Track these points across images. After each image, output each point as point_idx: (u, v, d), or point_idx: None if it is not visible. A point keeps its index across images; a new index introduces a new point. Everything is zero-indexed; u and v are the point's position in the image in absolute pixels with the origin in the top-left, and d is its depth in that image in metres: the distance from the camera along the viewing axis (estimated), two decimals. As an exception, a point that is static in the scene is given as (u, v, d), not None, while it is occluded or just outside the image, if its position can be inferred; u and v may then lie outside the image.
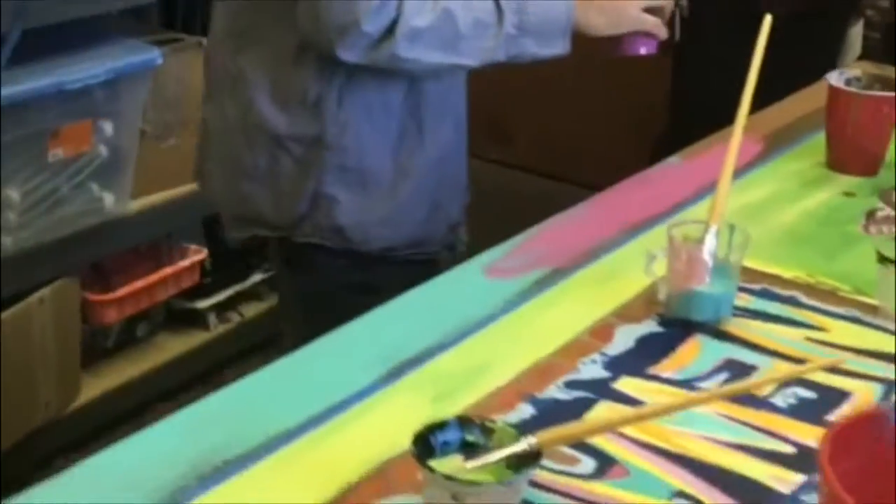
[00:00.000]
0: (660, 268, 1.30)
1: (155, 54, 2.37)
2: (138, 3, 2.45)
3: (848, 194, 1.64)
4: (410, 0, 1.44)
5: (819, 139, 1.77)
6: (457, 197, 1.67)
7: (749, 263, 1.34)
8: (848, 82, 1.72)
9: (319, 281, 1.60)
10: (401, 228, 1.58)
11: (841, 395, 1.18)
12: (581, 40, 1.57)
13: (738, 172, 1.63)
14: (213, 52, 1.63)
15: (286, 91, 1.51)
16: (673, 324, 1.29)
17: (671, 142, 1.92)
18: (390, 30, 1.43)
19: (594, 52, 1.62)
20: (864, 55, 3.07)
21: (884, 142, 1.69)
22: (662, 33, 1.63)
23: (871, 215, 1.57)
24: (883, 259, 1.29)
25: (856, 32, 3.06)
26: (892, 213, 1.58)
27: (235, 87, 1.56)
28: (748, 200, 1.57)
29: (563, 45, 1.55)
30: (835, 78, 1.71)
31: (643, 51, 1.64)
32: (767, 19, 1.39)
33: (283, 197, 1.55)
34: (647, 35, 1.62)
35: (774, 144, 1.78)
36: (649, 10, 1.61)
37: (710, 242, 1.28)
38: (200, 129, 1.67)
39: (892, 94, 1.66)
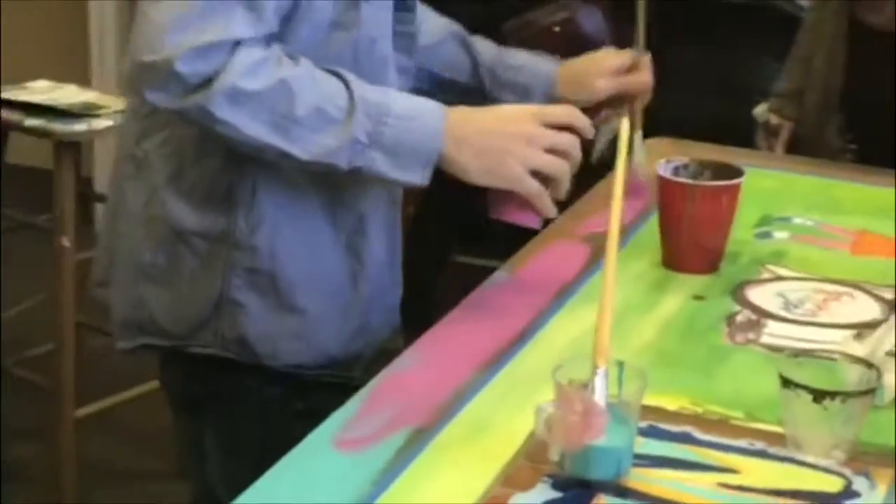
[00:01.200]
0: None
1: None
2: None
3: (698, 298, 1.60)
4: (246, 56, 1.32)
5: (643, 234, 1.74)
6: (389, 320, 1.58)
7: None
8: (676, 171, 1.69)
9: (225, 402, 1.51)
10: (314, 345, 1.49)
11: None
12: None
13: (573, 283, 1.59)
14: (121, 134, 1.55)
15: (193, 180, 1.44)
16: (570, 485, 1.19)
17: None
18: (209, 80, 1.31)
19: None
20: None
21: (724, 235, 1.66)
22: (545, 209, 1.46)
23: (731, 321, 1.53)
24: (787, 383, 1.24)
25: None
26: (753, 315, 1.55)
27: (139, 173, 1.47)
28: (593, 320, 1.50)
29: (422, 176, 1.40)
30: (662, 168, 1.67)
31: (520, 220, 1.48)
32: (625, 121, 1.33)
33: (183, 301, 1.46)
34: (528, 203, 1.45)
35: (600, 247, 1.73)
36: (537, 174, 1.43)
37: (600, 386, 1.20)
38: (104, 221, 1.57)
39: (730, 182, 1.64)
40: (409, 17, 1.54)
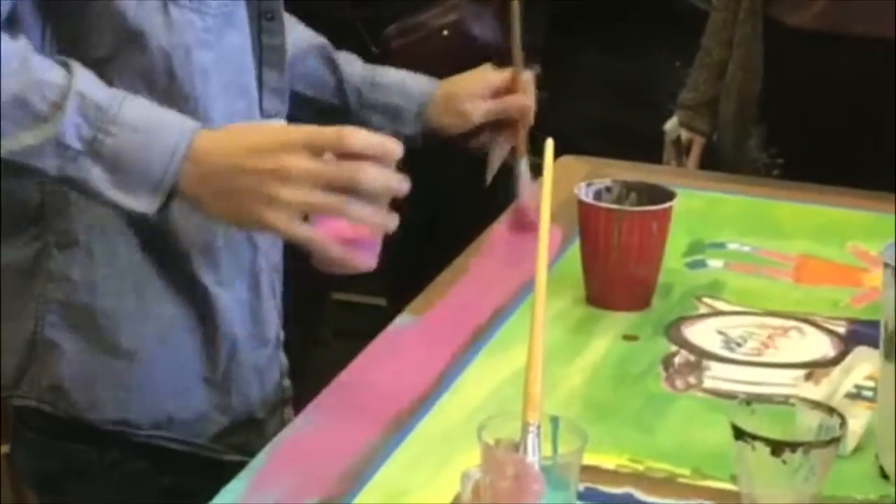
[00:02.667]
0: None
1: None
2: None
3: (629, 338, 1.57)
4: None
5: (563, 266, 1.71)
6: (256, 383, 1.48)
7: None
8: (598, 195, 1.66)
9: (80, 480, 1.43)
10: (144, 398, 1.40)
11: None
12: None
13: (488, 326, 1.55)
14: None
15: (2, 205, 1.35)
16: (503, 562, 1.15)
17: None
18: None
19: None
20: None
21: (656, 266, 1.63)
22: (329, 255, 1.28)
23: (668, 364, 1.51)
24: (741, 434, 1.21)
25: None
26: (692, 357, 1.52)
27: None
28: (517, 364, 1.46)
29: (149, 204, 1.24)
30: (583, 192, 1.65)
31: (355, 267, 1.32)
32: (549, 143, 1.29)
33: (4, 347, 1.40)
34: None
35: (514, 286, 1.69)
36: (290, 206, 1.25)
37: (534, 446, 1.16)
38: None
39: (661, 206, 1.61)
40: (276, 26, 1.47)
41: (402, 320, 1.59)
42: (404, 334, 1.56)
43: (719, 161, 2.42)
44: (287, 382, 1.55)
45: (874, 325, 1.34)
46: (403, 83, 1.71)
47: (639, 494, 1.26)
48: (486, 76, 1.71)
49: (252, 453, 1.33)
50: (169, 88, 1.34)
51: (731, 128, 2.38)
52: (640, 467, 1.30)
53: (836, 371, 1.39)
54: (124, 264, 1.38)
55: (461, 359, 1.49)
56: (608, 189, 1.66)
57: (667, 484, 1.27)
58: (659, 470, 1.29)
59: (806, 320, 1.60)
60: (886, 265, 1.25)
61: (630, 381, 1.46)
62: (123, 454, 1.43)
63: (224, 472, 1.29)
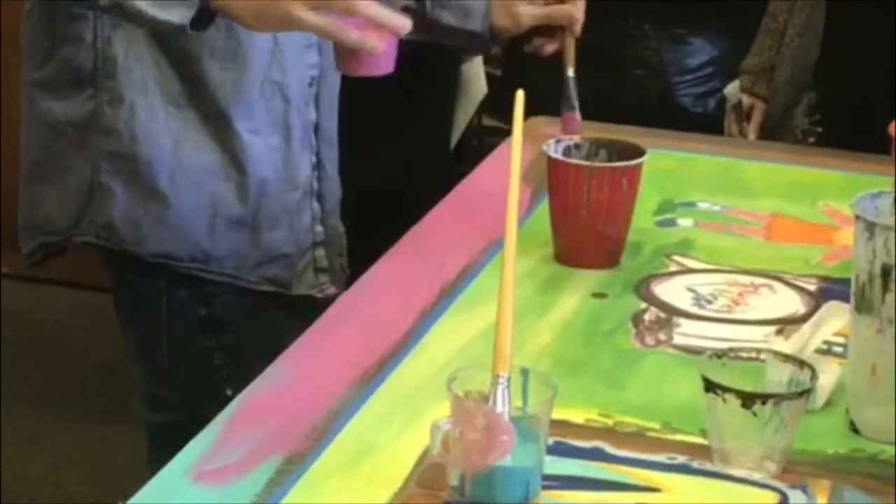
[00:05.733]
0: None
1: None
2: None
3: (598, 295, 1.60)
4: None
5: (532, 224, 1.74)
6: (285, 221, 1.70)
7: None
8: (567, 152, 1.69)
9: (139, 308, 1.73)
10: (180, 234, 1.65)
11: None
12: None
13: (457, 283, 1.58)
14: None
15: (56, 71, 1.63)
16: (472, 514, 1.18)
17: None
18: None
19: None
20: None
21: (625, 224, 1.66)
22: (347, 40, 1.45)
23: (638, 321, 1.54)
24: (712, 387, 1.25)
25: (473, 69, 3.12)
26: (662, 314, 1.56)
27: (21, 79, 1.67)
28: (485, 322, 1.49)
29: (183, 16, 1.45)
30: (552, 149, 1.67)
31: (373, 69, 1.50)
32: (520, 94, 1.31)
33: (65, 192, 1.66)
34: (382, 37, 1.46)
35: (482, 241, 1.72)
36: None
37: (503, 398, 1.19)
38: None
39: (631, 163, 1.64)
40: None
41: (368, 277, 1.61)
42: (371, 291, 1.58)
43: (765, 125, 2.45)
44: (319, 228, 1.77)
45: (845, 282, 1.38)
46: None
47: (609, 448, 1.29)
48: None
49: (282, 284, 1.72)
50: None
51: (782, 93, 2.40)
52: (610, 422, 1.33)
53: (807, 326, 1.42)
54: (161, 120, 1.62)
55: (429, 315, 1.51)
56: (577, 146, 1.69)
57: (636, 438, 1.30)
58: (629, 424, 1.32)
59: (776, 278, 1.64)
60: (858, 217, 1.28)
61: (600, 337, 1.49)
62: (168, 284, 1.69)
63: (258, 300, 1.70)
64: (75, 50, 1.62)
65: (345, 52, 1.50)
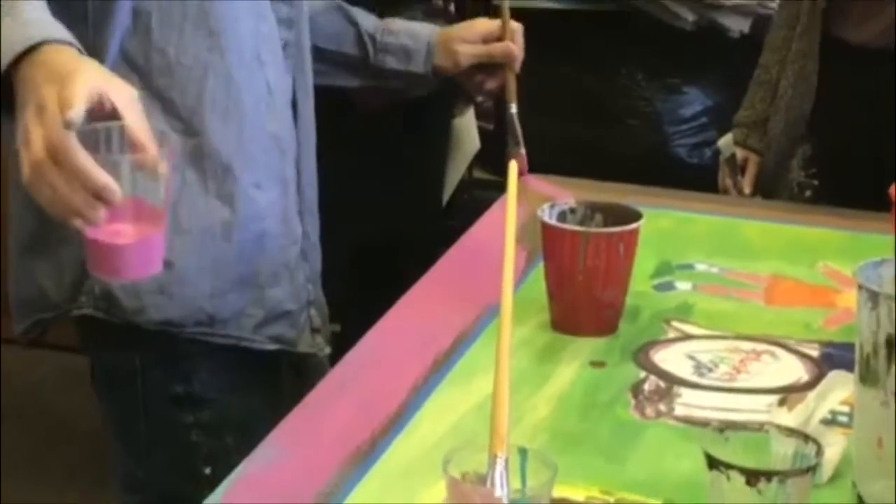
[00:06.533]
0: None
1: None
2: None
3: (596, 364, 1.58)
4: None
5: (526, 289, 1.72)
6: (285, 276, 1.71)
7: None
8: (562, 216, 1.67)
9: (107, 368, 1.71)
10: (182, 299, 1.63)
11: None
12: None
13: (447, 358, 1.56)
14: None
15: None
16: None
17: None
18: None
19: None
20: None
21: (623, 289, 1.65)
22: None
23: (637, 391, 1.52)
24: (715, 463, 1.23)
25: (465, 124, 3.11)
26: (662, 383, 1.54)
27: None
28: (480, 395, 1.47)
29: None
30: (547, 213, 1.66)
31: (130, 271, 1.37)
32: (513, 165, 1.30)
33: (60, 264, 1.63)
34: None
35: (476, 308, 1.70)
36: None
37: (501, 479, 1.17)
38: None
39: (628, 227, 1.63)
40: None
41: (360, 349, 1.59)
42: (363, 364, 1.56)
43: (761, 179, 2.44)
44: (310, 286, 1.78)
45: (848, 347, 1.36)
46: (411, 27, 1.99)
47: (611, 527, 1.26)
48: (478, 23, 1.98)
49: (288, 342, 1.73)
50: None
51: (777, 145, 2.39)
52: (612, 499, 1.31)
53: (811, 396, 1.40)
54: None
55: (422, 388, 1.49)
56: (572, 210, 1.67)
57: (640, 516, 1.28)
58: (631, 501, 1.30)
59: (778, 343, 1.62)
60: (861, 286, 1.27)
61: (599, 409, 1.47)
62: (171, 351, 1.67)
63: (238, 373, 1.69)
64: None
65: (96, 249, 1.34)
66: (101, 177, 1.26)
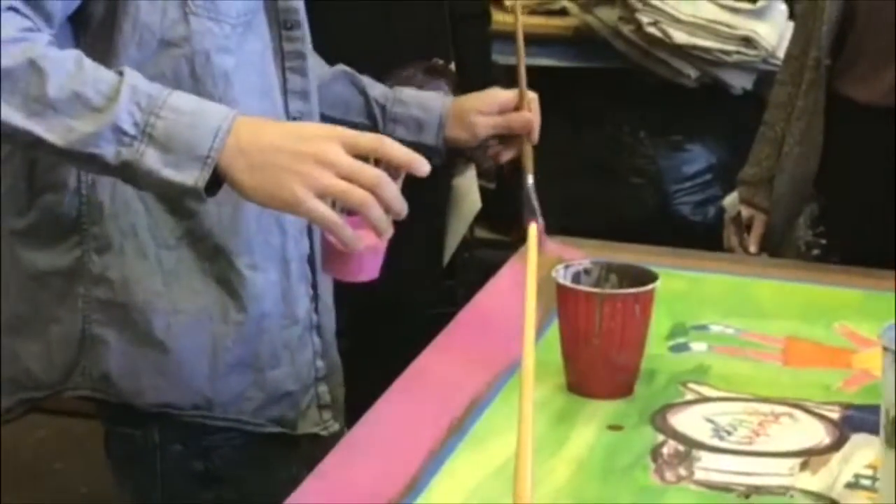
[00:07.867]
0: None
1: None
2: None
3: (614, 427, 1.58)
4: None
5: (541, 350, 1.71)
6: (285, 358, 1.68)
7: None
8: (576, 278, 1.67)
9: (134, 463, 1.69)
10: (180, 382, 1.61)
11: None
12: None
13: (462, 423, 1.55)
14: None
15: (37, 219, 1.60)
16: None
17: None
18: None
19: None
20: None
21: (639, 351, 1.65)
22: (348, 241, 1.47)
23: (656, 454, 1.51)
24: (742, 530, 1.23)
25: (466, 183, 3.12)
26: (681, 447, 1.53)
27: None
28: (498, 460, 1.47)
29: (197, 178, 1.42)
30: (561, 275, 1.66)
31: (342, 275, 1.56)
32: (533, 229, 1.30)
33: (51, 346, 1.61)
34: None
35: (493, 369, 1.70)
36: (333, 196, 1.45)
37: (526, 546, 1.17)
38: None
39: (644, 289, 1.63)
40: (296, 34, 1.68)
41: (373, 415, 1.58)
42: (377, 431, 1.55)
43: (767, 238, 2.43)
44: (320, 363, 1.74)
45: (868, 410, 1.36)
46: (422, 98, 1.95)
47: None
48: (494, 93, 1.93)
49: (288, 425, 1.69)
50: (194, 89, 1.54)
51: (783, 204, 2.39)
52: (635, 566, 1.30)
53: (835, 460, 1.40)
54: (153, 263, 1.59)
55: (438, 454, 1.48)
56: (587, 271, 1.67)
57: (664, 584, 1.27)
58: (655, 568, 1.29)
59: (797, 406, 1.62)
60: (886, 349, 1.27)
61: (619, 473, 1.47)
62: (170, 434, 1.65)
63: (258, 448, 1.67)
64: (58, 197, 1.59)
65: (332, 252, 1.58)
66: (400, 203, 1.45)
